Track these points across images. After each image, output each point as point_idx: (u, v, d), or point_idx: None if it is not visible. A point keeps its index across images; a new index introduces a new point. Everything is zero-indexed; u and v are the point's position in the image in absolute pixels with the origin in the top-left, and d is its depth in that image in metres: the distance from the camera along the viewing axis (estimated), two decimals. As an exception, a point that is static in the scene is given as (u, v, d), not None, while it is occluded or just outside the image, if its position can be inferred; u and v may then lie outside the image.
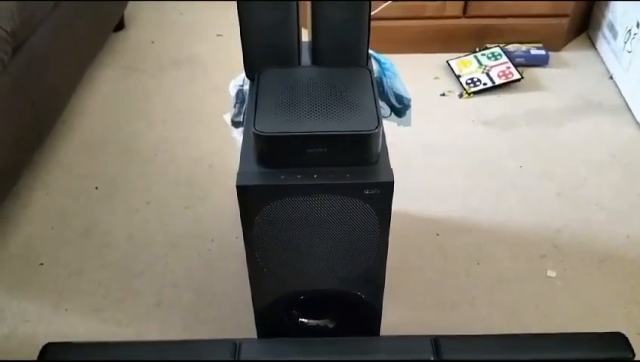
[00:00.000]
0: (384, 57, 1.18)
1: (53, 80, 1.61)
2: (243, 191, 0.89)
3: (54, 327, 1.26)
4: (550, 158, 1.65)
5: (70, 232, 1.47)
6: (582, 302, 1.29)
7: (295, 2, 0.99)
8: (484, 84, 1.91)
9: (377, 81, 1.15)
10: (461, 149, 1.69)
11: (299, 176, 0.88)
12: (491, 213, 1.50)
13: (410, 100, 1.19)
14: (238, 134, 1.23)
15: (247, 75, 1.08)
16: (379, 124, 0.88)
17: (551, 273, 1.35)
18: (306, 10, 1.04)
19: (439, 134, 1.74)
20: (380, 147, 0.91)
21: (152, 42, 2.15)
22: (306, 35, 1.06)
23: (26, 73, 1.47)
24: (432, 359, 1.08)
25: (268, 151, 0.89)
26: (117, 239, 1.45)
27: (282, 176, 0.89)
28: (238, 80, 1.18)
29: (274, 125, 0.89)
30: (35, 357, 1.08)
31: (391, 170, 0.89)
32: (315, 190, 0.88)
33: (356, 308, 1.09)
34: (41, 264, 1.39)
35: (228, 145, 1.37)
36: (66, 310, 1.30)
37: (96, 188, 1.59)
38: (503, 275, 1.35)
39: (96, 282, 1.35)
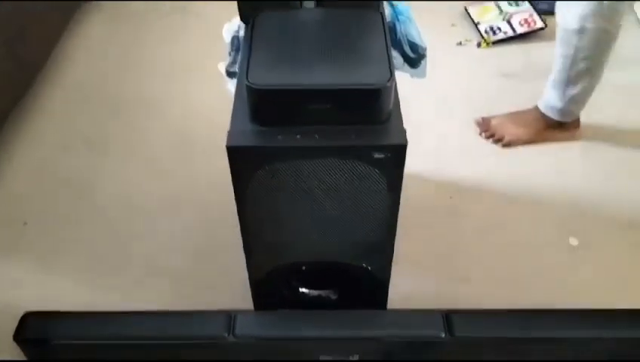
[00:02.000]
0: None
1: (35, 26, 1.48)
2: (234, 153, 0.78)
3: (38, 294, 1.18)
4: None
5: (57, 190, 1.37)
6: (607, 274, 1.20)
7: None
8: (505, 32, 1.76)
9: (389, 27, 1.02)
10: (478, 104, 1.56)
11: (298, 137, 0.77)
12: (510, 175, 1.38)
13: (425, 49, 1.07)
14: (232, 85, 1.11)
15: (242, 19, 0.95)
16: (391, 76, 0.76)
17: (573, 241, 1.25)
18: (310, -57, 0.90)
19: (455, 87, 1.61)
20: (392, 104, 0.79)
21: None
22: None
23: (5, 19, 1.34)
24: (444, 336, 0.99)
25: (263, 107, 0.78)
26: (108, 199, 1.36)
27: (279, 136, 0.77)
28: (233, 24, 1.05)
29: (270, 77, 0.77)
30: (15, 326, 1.01)
31: (404, 131, 0.78)
32: (317, 153, 0.77)
33: (361, 279, 0.99)
34: (25, 223, 1.30)
35: (225, 98, 1.26)
36: (51, 275, 1.21)
37: (86, 143, 1.48)
38: (520, 243, 1.25)
39: (85, 245, 1.27)
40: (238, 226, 0.89)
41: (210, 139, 1.46)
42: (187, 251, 1.25)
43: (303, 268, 1.01)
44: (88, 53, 1.73)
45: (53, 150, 1.46)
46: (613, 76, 1.38)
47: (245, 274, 1.00)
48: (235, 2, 0.94)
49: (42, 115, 1.54)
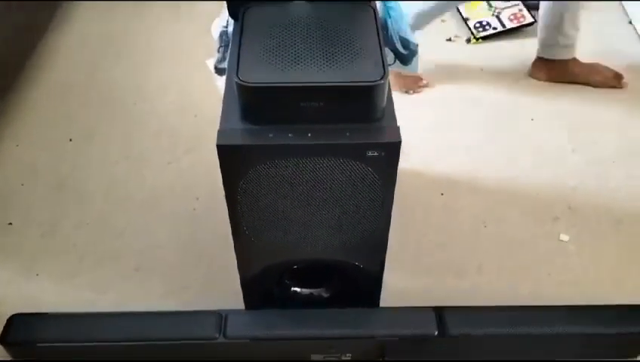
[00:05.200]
0: (389, -5, 1.03)
1: (19, 17, 1.45)
2: (225, 152, 0.76)
3: (24, 294, 1.16)
4: (564, 111, 1.53)
5: (42, 188, 1.35)
6: (598, 269, 1.20)
7: None
8: (494, 28, 1.76)
9: (381, 23, 1.00)
10: (469, 100, 1.55)
11: (290, 135, 0.75)
12: (501, 171, 1.38)
13: (417, 46, 1.06)
14: (221, 82, 1.09)
15: (231, 14, 0.93)
16: (385, 73, 0.75)
17: (564, 236, 1.25)
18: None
19: (444, 83, 1.60)
20: (386, 101, 0.78)
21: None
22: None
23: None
24: (436, 334, 0.99)
25: (253, 104, 0.76)
26: (94, 196, 1.33)
27: (271, 135, 0.76)
28: (222, 20, 1.03)
29: (260, 74, 0.75)
30: (0, 329, 0.99)
31: (397, 129, 0.77)
32: (309, 151, 0.76)
33: (354, 277, 0.98)
34: (10, 224, 1.28)
35: (214, 94, 1.24)
36: (38, 275, 1.19)
37: (71, 139, 1.45)
38: (512, 239, 1.25)
39: (71, 243, 1.24)
40: (226, 222, 0.87)
41: (198, 134, 1.46)
42: (177, 250, 1.23)
43: (295, 266, 0.99)
44: (72, 49, 1.70)
45: (38, 148, 1.43)
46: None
47: (236, 273, 0.98)
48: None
49: (27, 114, 1.51)
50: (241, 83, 0.74)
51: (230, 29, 1.00)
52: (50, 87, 1.58)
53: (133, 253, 1.22)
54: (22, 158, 1.41)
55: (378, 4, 1.02)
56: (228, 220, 0.87)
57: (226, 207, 0.84)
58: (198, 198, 1.33)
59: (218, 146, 0.75)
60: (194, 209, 1.31)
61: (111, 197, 1.33)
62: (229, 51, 1.01)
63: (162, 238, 1.25)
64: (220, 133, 0.76)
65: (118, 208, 1.31)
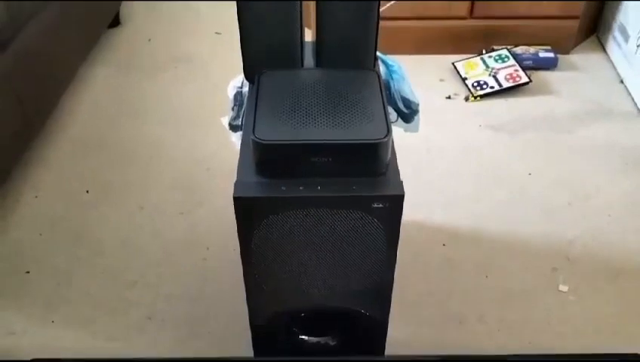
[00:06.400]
0: (391, 59, 1.12)
1: (42, 78, 1.54)
2: (241, 203, 0.82)
3: (40, 340, 1.19)
4: (560, 165, 1.59)
5: (59, 239, 1.40)
6: (596, 319, 1.23)
7: (299, 0, 0.93)
8: (491, 87, 1.85)
9: (384, 85, 1.08)
10: (468, 155, 1.62)
11: (301, 188, 0.82)
12: (500, 222, 1.43)
13: (418, 105, 1.13)
14: (236, 138, 1.16)
15: (247, 77, 1.01)
16: (388, 132, 0.82)
17: (563, 287, 1.29)
18: (310, 8, 0.97)
19: (445, 139, 1.67)
20: (389, 157, 0.84)
21: (149, 40, 2.08)
22: (308, 35, 1.00)
23: (14, 71, 1.40)
24: (440, 381, 1.02)
25: (268, 160, 0.83)
26: (108, 247, 1.38)
27: (283, 188, 0.82)
28: (237, 81, 1.11)
29: (275, 132, 0.82)
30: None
31: (401, 183, 0.83)
32: (319, 203, 0.82)
33: (360, 325, 1.02)
34: (28, 272, 1.32)
35: (226, 149, 1.31)
36: (53, 322, 1.23)
37: (88, 191, 1.52)
38: (512, 289, 1.29)
39: (85, 292, 1.29)
40: (238, 272, 0.92)
41: (210, 187, 1.52)
42: (188, 298, 1.27)
43: (302, 314, 1.04)
44: (90, 108, 1.79)
45: (56, 200, 1.50)
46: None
47: (245, 321, 1.02)
48: (237, 57, 1.00)
49: (46, 166, 1.59)
50: (258, 140, 0.81)
51: (245, 89, 1.08)
52: (69, 143, 1.66)
53: (145, 303, 1.27)
54: (40, 209, 1.47)
55: (381, 67, 1.11)
56: (237, 269, 0.92)
57: (235, 257, 0.89)
58: (208, 248, 1.38)
59: (235, 198, 0.81)
60: (204, 259, 1.36)
61: (125, 248, 1.38)
62: (243, 110, 1.09)
63: (174, 287, 1.30)
64: (237, 185, 0.83)
65: (131, 258, 1.36)
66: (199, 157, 1.61)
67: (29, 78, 1.46)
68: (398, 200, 0.82)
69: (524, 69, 1.87)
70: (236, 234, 0.87)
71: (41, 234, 1.41)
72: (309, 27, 1.02)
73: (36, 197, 1.51)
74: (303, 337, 1.08)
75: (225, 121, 1.17)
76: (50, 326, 1.22)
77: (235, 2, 0.93)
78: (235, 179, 0.84)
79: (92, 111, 1.78)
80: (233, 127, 1.16)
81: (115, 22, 2.10)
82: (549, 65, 1.94)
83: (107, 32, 2.06)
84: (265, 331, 1.03)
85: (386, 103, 0.87)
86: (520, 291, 1.28)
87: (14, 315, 1.24)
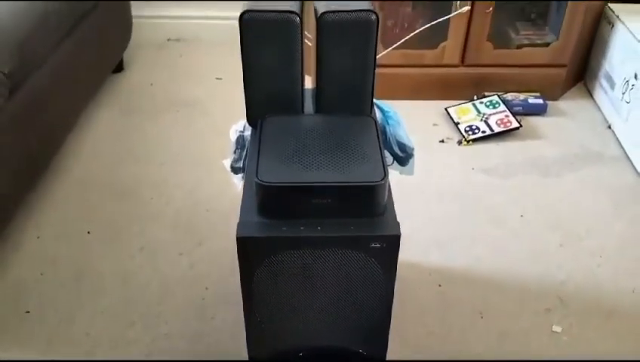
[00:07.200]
0: (387, 105, 1.17)
1: (49, 120, 1.59)
2: (243, 243, 0.85)
3: (39, 380, 1.20)
4: (551, 208, 1.64)
5: (60, 278, 1.42)
6: (589, 359, 1.25)
7: (299, 50, 0.98)
8: (483, 131, 1.90)
9: (380, 130, 1.13)
10: (462, 197, 1.67)
11: (302, 228, 0.85)
12: (494, 264, 1.46)
13: (413, 149, 1.18)
14: (237, 180, 1.20)
15: (249, 122, 1.06)
16: (385, 175, 0.86)
17: (556, 328, 1.31)
18: (309, 56, 1.03)
19: (439, 181, 1.72)
20: (386, 199, 0.88)
21: (151, 84, 2.15)
22: (308, 82, 1.05)
23: (23, 113, 1.45)
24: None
25: (270, 201, 0.87)
26: (109, 286, 1.40)
27: (284, 228, 0.86)
28: (239, 125, 1.16)
29: (277, 175, 0.86)
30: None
31: (397, 223, 0.86)
32: (319, 242, 0.85)
33: (358, 364, 1.04)
34: (28, 312, 1.34)
35: (226, 191, 1.35)
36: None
37: (89, 232, 1.54)
38: (507, 330, 1.31)
39: (85, 331, 1.30)
40: (236, 312, 0.94)
41: (209, 228, 1.55)
42: (186, 338, 1.28)
43: (300, 354, 1.05)
44: (92, 150, 1.83)
45: (57, 240, 1.52)
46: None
47: (243, 358, 1.04)
48: (237, 101, 1.05)
49: (49, 206, 1.62)
50: (261, 183, 0.85)
51: (246, 133, 1.12)
52: (72, 184, 1.69)
53: (145, 341, 1.28)
54: (42, 249, 1.49)
55: (378, 113, 1.16)
56: (235, 309, 0.94)
57: (233, 297, 0.91)
58: (207, 288, 1.40)
59: (238, 238, 0.85)
60: (203, 298, 1.38)
61: (125, 288, 1.40)
62: (244, 153, 1.14)
63: (172, 327, 1.31)
64: (240, 225, 0.86)
65: (131, 298, 1.37)
66: (199, 198, 1.65)
67: (35, 121, 1.51)
68: (395, 241, 0.85)
69: (514, 114, 1.94)
70: (235, 273, 0.90)
71: (42, 274, 1.43)
72: (309, 74, 1.08)
73: (38, 237, 1.53)
74: (302, 376, 1.10)
75: (227, 163, 1.21)
76: (49, 366, 1.23)
77: (235, 49, 0.98)
78: (234, 220, 0.88)
79: (95, 152, 1.82)
80: (235, 170, 1.20)
81: (119, 67, 2.17)
82: (539, 111, 2.01)
83: (111, 76, 2.12)
84: (264, 370, 1.04)
85: (382, 148, 0.92)
86: (515, 332, 1.30)
87: (14, 354, 1.25)
